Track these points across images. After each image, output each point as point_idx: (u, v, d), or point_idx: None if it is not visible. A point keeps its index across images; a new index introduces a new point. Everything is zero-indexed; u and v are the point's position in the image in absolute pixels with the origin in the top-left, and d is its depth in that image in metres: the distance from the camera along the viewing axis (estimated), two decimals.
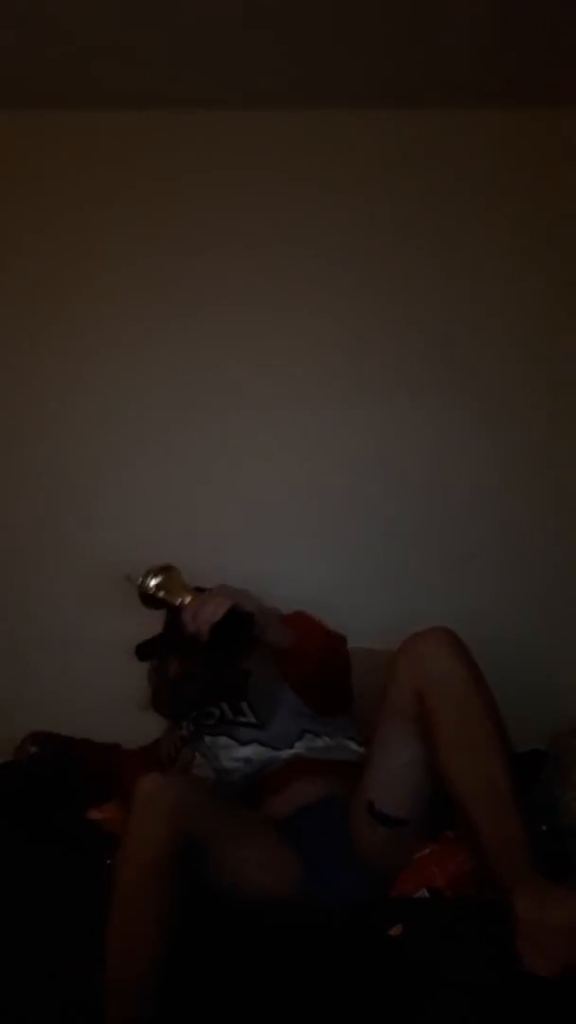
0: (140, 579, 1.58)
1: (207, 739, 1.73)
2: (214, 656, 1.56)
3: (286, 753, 1.66)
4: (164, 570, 1.59)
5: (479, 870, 1.34)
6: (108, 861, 1.44)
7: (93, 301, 2.24)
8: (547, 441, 2.22)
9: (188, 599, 1.51)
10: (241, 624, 1.44)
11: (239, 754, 1.69)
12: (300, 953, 1.25)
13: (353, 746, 1.70)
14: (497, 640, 1.89)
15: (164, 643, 1.74)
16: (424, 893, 1.36)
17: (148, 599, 1.58)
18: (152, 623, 1.77)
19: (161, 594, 1.57)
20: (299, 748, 1.67)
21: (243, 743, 1.70)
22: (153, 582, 1.58)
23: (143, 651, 1.69)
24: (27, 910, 1.44)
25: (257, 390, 2.23)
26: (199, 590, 1.55)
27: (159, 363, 2.24)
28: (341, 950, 1.24)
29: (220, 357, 2.24)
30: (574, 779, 1.61)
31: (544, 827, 1.50)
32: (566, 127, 2.23)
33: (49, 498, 2.23)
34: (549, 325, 2.22)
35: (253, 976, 1.25)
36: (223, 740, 1.72)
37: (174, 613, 1.56)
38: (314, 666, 1.60)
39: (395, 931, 1.25)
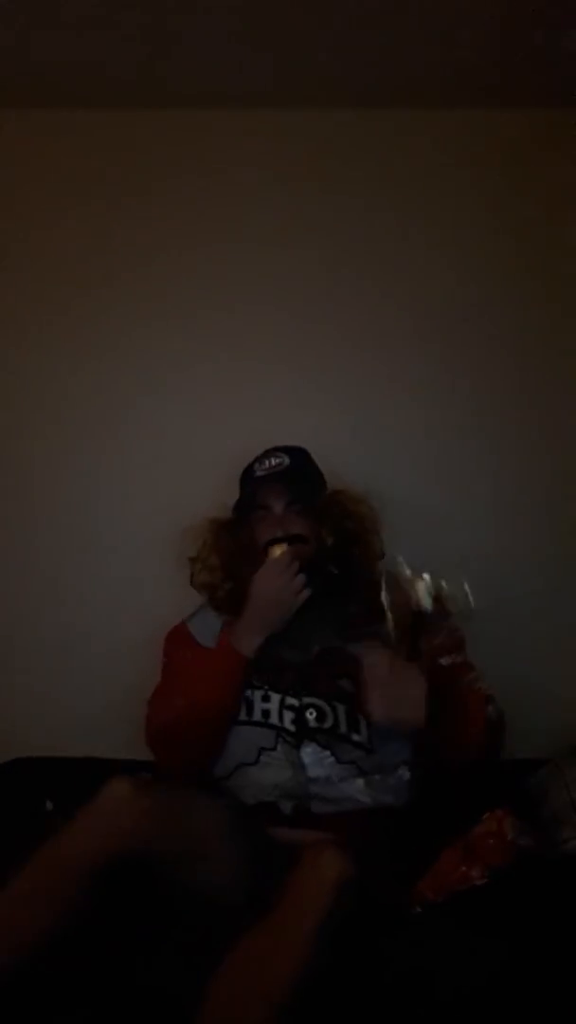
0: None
1: (307, 747, 1.62)
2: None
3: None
4: None
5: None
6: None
7: (93, 302, 2.24)
8: (544, 444, 2.20)
9: None
10: None
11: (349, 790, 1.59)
12: None
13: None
14: (494, 644, 1.90)
15: None
16: (417, 910, 1.41)
17: None
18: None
19: None
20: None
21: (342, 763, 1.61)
22: None
23: None
24: None
25: (255, 390, 2.24)
26: None
27: (159, 363, 2.24)
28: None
29: (219, 357, 2.23)
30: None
31: None
32: (567, 127, 2.22)
33: (48, 497, 2.24)
34: (549, 327, 2.22)
35: None
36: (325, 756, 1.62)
37: None
38: None
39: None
